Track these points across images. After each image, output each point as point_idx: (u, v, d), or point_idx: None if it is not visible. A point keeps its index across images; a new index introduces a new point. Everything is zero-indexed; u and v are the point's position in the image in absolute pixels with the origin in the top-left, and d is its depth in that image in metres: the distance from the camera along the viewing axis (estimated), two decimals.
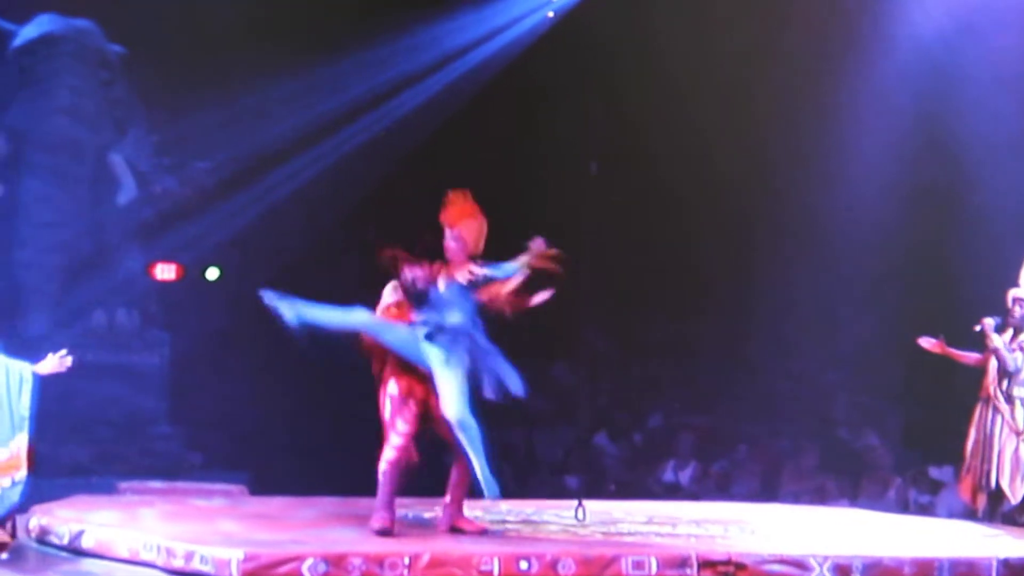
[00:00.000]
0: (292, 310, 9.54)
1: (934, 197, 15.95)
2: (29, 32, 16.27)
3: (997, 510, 11.60)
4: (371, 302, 9.95)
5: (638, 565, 8.71)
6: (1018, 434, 11.50)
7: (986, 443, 11.62)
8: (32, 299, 15.75)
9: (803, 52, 16.28)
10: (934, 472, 14.36)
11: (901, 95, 15.69)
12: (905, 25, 15.56)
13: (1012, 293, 11.64)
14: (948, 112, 15.24)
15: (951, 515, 13.41)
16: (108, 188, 16.54)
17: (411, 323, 9.56)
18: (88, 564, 9.14)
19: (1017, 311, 11.58)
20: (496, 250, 10.51)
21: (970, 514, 11.97)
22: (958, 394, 12.13)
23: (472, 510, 10.89)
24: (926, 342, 11.76)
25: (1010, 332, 11.60)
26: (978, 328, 11.62)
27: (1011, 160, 14.99)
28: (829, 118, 16.11)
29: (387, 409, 9.55)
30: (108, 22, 16.42)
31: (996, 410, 11.59)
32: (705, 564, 8.77)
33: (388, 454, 9.45)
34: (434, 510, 10.84)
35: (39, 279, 16.00)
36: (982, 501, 11.68)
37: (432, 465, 10.13)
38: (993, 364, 11.64)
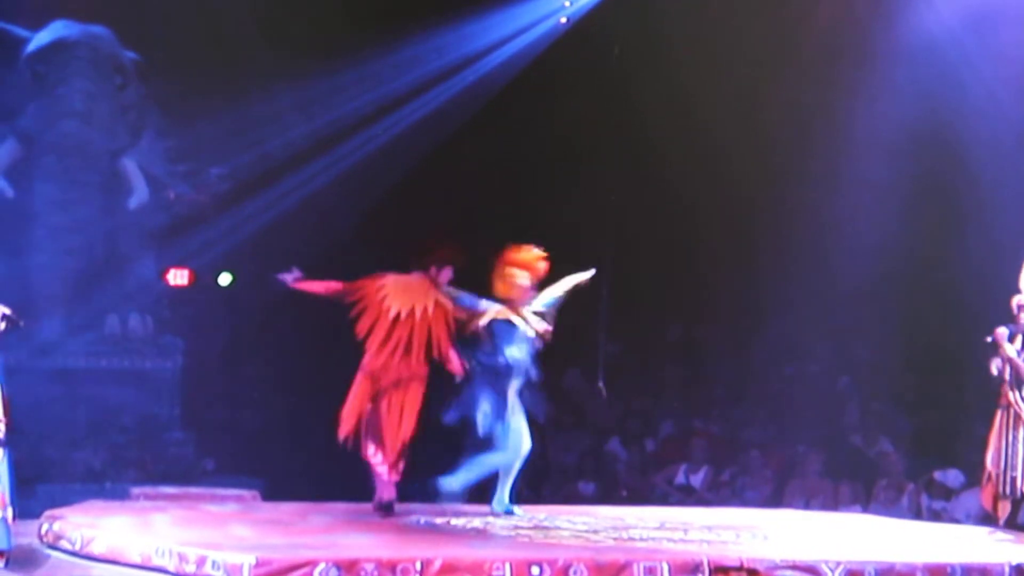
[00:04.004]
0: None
1: (944, 198, 15.93)
2: (43, 38, 16.29)
3: (1017, 517, 11.55)
4: None
5: (650, 571, 8.69)
6: None
7: (1008, 450, 11.59)
8: (45, 304, 15.74)
9: (813, 55, 16.27)
10: (940, 477, 14.33)
11: (910, 96, 15.66)
12: (913, 25, 15.54)
13: (1016, 300, 11.60)
14: (957, 112, 15.24)
15: (966, 520, 13.39)
16: (121, 193, 16.55)
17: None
18: (100, 569, 9.14)
19: (1023, 318, 11.56)
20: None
21: (987, 520, 11.94)
22: (971, 400, 12.10)
23: (483, 516, 10.93)
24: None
25: (1020, 339, 11.58)
26: (990, 339, 11.61)
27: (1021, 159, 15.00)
28: (839, 121, 16.08)
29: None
30: (122, 29, 16.44)
31: (1017, 417, 11.55)
32: (717, 570, 8.76)
33: None
34: (446, 517, 10.87)
35: (52, 284, 16.01)
36: (1004, 509, 11.63)
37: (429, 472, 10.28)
38: (1009, 372, 11.63)
